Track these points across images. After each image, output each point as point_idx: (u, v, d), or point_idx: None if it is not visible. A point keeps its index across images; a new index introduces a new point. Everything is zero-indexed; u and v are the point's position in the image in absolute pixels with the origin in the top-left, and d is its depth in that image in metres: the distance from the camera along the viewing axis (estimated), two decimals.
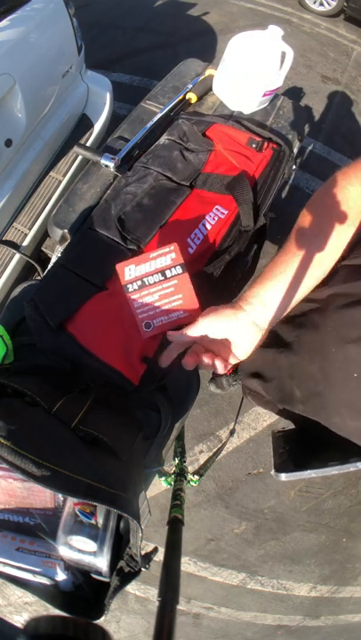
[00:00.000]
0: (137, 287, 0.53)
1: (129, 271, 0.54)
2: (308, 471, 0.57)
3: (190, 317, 0.53)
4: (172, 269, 0.54)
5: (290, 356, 0.54)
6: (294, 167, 0.88)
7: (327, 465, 0.55)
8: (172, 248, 0.54)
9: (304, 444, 0.59)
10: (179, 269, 0.54)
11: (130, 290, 0.54)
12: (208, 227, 0.67)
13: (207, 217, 0.68)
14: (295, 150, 0.90)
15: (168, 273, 0.54)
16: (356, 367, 0.44)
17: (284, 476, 0.58)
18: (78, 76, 1.39)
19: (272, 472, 0.60)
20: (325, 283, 0.51)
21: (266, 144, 0.78)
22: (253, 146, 0.77)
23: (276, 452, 0.63)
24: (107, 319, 0.58)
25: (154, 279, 0.54)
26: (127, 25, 2.81)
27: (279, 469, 0.59)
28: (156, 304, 0.53)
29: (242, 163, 0.74)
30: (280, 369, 0.58)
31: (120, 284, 0.56)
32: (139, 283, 0.54)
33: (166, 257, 0.54)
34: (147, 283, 0.54)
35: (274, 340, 0.60)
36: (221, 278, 0.67)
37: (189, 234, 0.66)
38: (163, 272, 0.54)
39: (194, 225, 0.67)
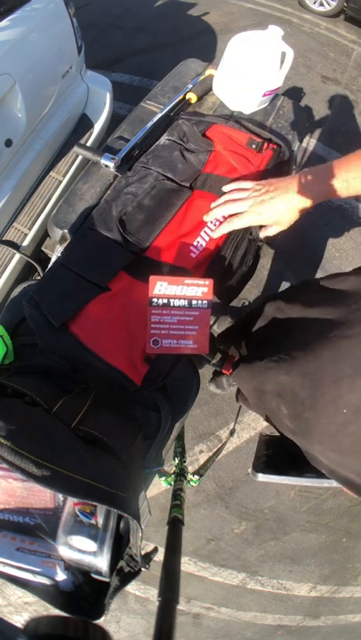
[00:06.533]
0: (161, 304, 0.55)
1: (160, 286, 0.55)
2: (284, 477, 0.58)
3: (197, 350, 0.55)
4: (199, 302, 0.55)
5: (280, 374, 0.54)
6: (295, 167, 0.88)
7: (304, 475, 0.56)
8: (207, 283, 0.55)
9: (285, 452, 0.60)
10: (205, 304, 0.56)
11: (153, 304, 0.55)
12: (209, 231, 0.67)
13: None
14: (295, 150, 0.90)
15: (194, 303, 0.55)
16: (346, 403, 0.44)
17: (260, 477, 0.60)
18: (78, 76, 1.39)
19: (249, 470, 0.61)
20: (335, 302, 0.51)
21: (266, 145, 0.78)
22: (253, 146, 0.77)
23: (258, 454, 0.65)
24: (110, 320, 0.58)
25: (179, 303, 0.55)
26: (127, 25, 2.81)
27: (257, 469, 0.60)
28: (171, 327, 0.55)
29: (241, 164, 0.74)
30: (264, 382, 0.58)
31: (120, 286, 0.56)
32: (164, 301, 0.55)
33: (198, 289, 0.55)
34: (171, 304, 0.55)
35: (266, 353, 0.60)
36: (223, 279, 0.67)
37: (192, 238, 0.66)
38: (190, 301, 0.55)
39: (196, 229, 0.67)
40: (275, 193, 0.58)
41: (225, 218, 0.65)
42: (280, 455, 0.62)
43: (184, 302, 0.55)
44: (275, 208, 0.58)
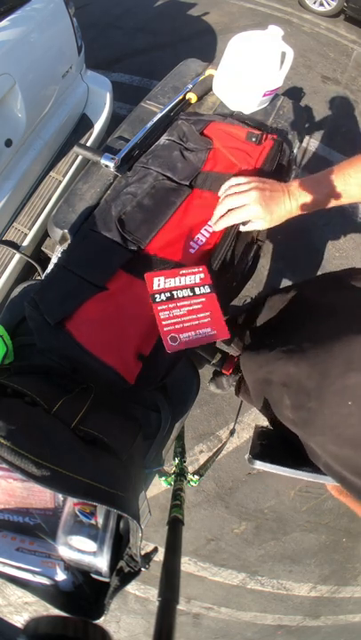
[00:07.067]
0: (165, 298, 0.53)
1: (158, 281, 0.54)
2: (282, 467, 0.58)
3: (218, 336, 0.53)
4: (201, 288, 0.55)
5: (289, 365, 0.54)
6: (295, 167, 0.88)
7: (300, 468, 0.56)
8: (201, 269, 0.56)
9: (280, 445, 0.60)
10: (207, 289, 0.55)
11: (157, 300, 0.53)
12: (209, 229, 0.67)
13: (208, 218, 0.68)
14: (295, 150, 0.90)
15: (197, 290, 0.55)
16: (352, 395, 0.44)
17: (258, 464, 0.60)
18: (78, 75, 1.39)
19: (246, 456, 0.61)
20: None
21: (265, 136, 0.77)
22: (253, 139, 0.76)
23: (254, 443, 0.65)
24: (105, 318, 0.58)
25: (183, 294, 0.54)
26: (127, 25, 2.81)
27: (255, 457, 0.60)
28: (184, 319, 0.53)
29: (241, 159, 0.74)
30: (272, 372, 0.58)
31: (118, 284, 0.55)
32: (167, 294, 0.54)
33: (195, 276, 0.55)
34: (175, 296, 0.54)
35: (275, 341, 0.60)
36: (223, 278, 0.67)
37: (191, 235, 0.66)
38: (192, 289, 0.55)
39: (195, 226, 0.67)
40: (273, 193, 0.59)
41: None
42: (276, 447, 0.62)
43: (187, 292, 0.54)
44: (276, 207, 0.58)
